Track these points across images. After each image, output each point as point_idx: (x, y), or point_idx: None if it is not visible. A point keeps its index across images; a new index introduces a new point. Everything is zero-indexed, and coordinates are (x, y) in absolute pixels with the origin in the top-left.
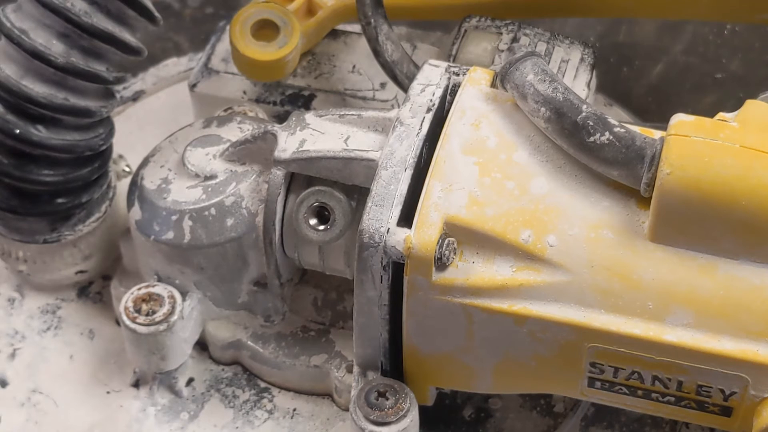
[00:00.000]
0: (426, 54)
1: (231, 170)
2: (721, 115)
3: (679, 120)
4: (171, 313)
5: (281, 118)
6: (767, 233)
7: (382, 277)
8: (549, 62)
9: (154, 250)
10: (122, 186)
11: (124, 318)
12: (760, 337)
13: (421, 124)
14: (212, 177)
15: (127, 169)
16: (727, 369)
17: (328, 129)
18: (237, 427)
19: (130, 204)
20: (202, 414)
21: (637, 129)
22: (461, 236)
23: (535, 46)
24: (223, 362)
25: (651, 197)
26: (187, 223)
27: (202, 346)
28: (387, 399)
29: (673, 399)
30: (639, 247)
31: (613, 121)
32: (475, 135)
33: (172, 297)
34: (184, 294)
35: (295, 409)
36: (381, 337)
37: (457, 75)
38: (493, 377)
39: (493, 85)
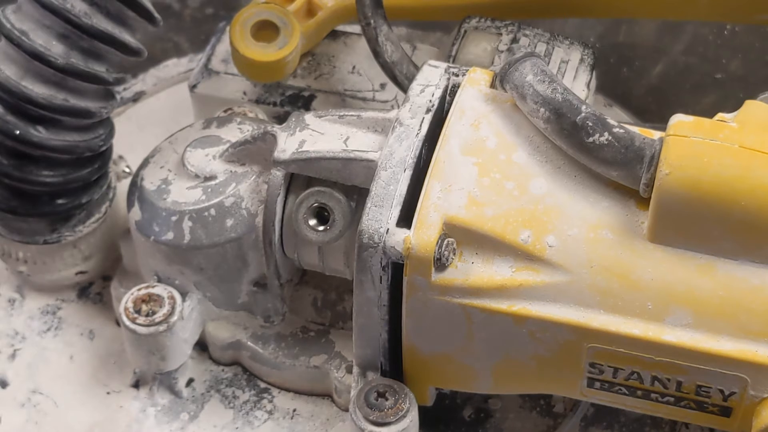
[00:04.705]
0: (426, 54)
1: (231, 171)
2: (720, 115)
3: (678, 120)
4: (171, 313)
5: (281, 119)
6: (767, 233)
7: (381, 277)
8: (549, 63)
9: (154, 250)
10: (122, 187)
11: (124, 318)
12: (759, 337)
13: (421, 125)
14: (212, 178)
15: (127, 170)
16: (727, 369)
17: (327, 130)
18: (237, 428)
19: (130, 205)
20: (202, 414)
21: (636, 129)
22: (461, 236)
23: (535, 47)
24: (223, 363)
25: (650, 198)
26: (186, 224)
27: (202, 346)
28: (387, 399)
29: (672, 399)
30: (638, 247)
31: (612, 122)
32: (474, 135)
33: (171, 297)
34: (183, 294)
35: (295, 410)
36: (380, 337)
37: (457, 75)
38: (493, 377)
39: (492, 85)
